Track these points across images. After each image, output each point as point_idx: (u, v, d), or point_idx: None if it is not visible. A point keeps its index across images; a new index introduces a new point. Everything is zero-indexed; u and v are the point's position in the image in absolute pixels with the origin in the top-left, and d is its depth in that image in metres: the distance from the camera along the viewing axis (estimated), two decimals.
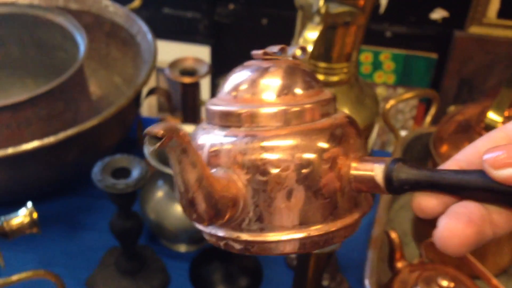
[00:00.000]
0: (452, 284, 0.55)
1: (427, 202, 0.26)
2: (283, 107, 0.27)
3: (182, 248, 0.71)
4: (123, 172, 0.58)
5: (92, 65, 0.88)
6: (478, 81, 1.62)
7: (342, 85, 0.68)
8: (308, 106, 0.27)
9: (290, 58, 0.30)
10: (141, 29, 0.81)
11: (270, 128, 0.27)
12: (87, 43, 0.73)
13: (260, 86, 0.28)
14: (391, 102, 0.76)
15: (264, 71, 0.28)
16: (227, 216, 0.26)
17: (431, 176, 0.25)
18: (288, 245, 0.27)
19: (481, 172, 0.24)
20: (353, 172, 0.27)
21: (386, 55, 1.65)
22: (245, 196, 0.26)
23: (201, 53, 1.54)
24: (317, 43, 0.59)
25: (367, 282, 0.58)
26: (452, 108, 0.87)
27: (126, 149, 0.76)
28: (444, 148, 0.67)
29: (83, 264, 0.68)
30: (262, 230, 0.27)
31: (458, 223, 0.24)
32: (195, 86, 0.77)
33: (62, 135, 0.62)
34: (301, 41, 0.58)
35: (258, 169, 0.26)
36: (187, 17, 1.54)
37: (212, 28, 1.56)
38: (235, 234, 0.27)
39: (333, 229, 0.27)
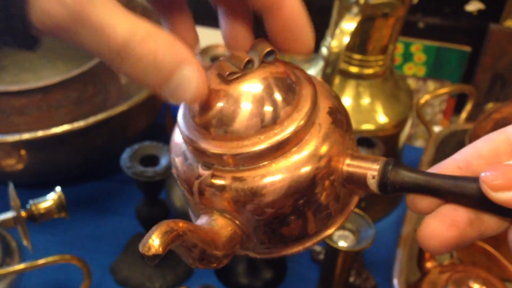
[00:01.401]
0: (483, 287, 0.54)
1: (420, 201, 0.26)
2: (266, 145, 0.25)
3: None
4: (151, 160, 0.58)
5: None
6: None
7: (376, 78, 0.67)
8: (291, 132, 0.25)
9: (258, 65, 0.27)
10: None
11: (257, 167, 0.25)
12: None
13: (236, 122, 0.25)
14: (426, 97, 0.74)
15: (235, 103, 0.25)
16: (232, 255, 0.27)
17: (426, 181, 0.25)
18: (293, 252, 0.28)
19: (475, 181, 0.24)
20: (345, 172, 0.27)
21: (417, 47, 1.62)
22: (246, 231, 0.27)
23: None
24: (353, 34, 0.58)
25: (395, 281, 0.57)
26: (490, 105, 0.84)
27: (154, 135, 0.76)
28: None
29: (108, 249, 0.69)
30: (268, 250, 0.28)
31: (441, 225, 0.24)
32: None
33: (91, 120, 0.62)
34: (337, 32, 0.57)
35: (254, 211, 0.26)
36: None
37: None
38: (243, 252, 0.28)
39: (333, 230, 0.28)
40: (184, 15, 0.31)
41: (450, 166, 0.25)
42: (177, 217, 0.69)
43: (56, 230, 0.70)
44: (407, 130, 0.71)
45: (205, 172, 0.26)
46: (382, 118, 0.67)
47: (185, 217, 0.73)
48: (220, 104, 0.25)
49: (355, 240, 0.54)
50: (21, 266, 0.53)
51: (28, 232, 0.52)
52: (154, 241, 0.22)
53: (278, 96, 0.26)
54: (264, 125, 0.25)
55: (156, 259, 0.22)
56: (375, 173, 0.26)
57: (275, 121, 0.25)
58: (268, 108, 0.25)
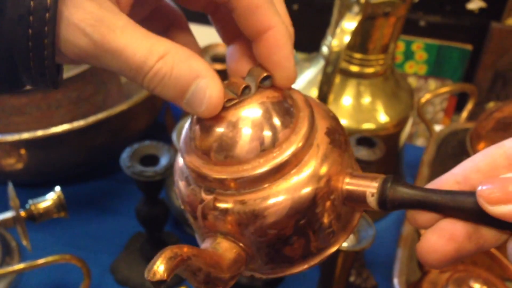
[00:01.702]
0: (484, 287, 0.53)
1: (420, 216, 0.26)
2: (266, 168, 0.25)
3: None
4: (151, 159, 0.57)
5: None
6: None
7: (377, 77, 0.67)
8: (290, 154, 0.26)
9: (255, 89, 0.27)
10: None
11: (258, 190, 0.26)
12: None
13: (236, 147, 0.26)
14: (427, 96, 0.74)
15: (234, 129, 0.26)
16: (238, 277, 0.27)
17: (424, 197, 0.25)
18: (298, 271, 0.29)
19: (473, 196, 0.24)
20: (346, 189, 0.27)
21: (418, 45, 1.62)
22: (250, 252, 0.27)
23: None
24: (354, 33, 0.57)
25: (396, 281, 0.57)
26: (491, 104, 0.84)
27: (154, 134, 0.76)
28: (482, 146, 0.65)
29: (107, 248, 0.68)
30: (273, 270, 0.28)
31: (439, 239, 0.25)
32: (226, 73, 0.76)
33: (91, 119, 0.62)
34: (338, 31, 0.56)
35: (257, 233, 0.26)
36: None
37: None
38: (248, 273, 0.29)
39: (336, 247, 0.28)
40: (185, 31, 0.33)
41: (449, 180, 0.26)
42: (177, 216, 0.69)
43: (56, 230, 0.70)
44: (408, 129, 0.71)
45: (207, 197, 0.27)
46: (383, 117, 0.66)
47: (185, 216, 0.73)
48: (219, 130, 0.26)
49: (355, 240, 0.54)
50: (21, 265, 0.53)
51: (28, 231, 0.52)
52: (159, 267, 0.22)
53: (276, 120, 0.26)
54: (264, 149, 0.26)
55: (161, 285, 0.22)
56: (374, 191, 0.26)
57: (274, 144, 0.26)
58: (267, 132, 0.26)
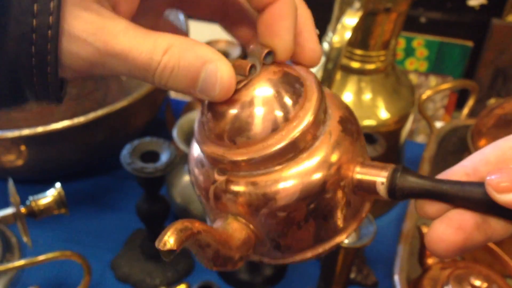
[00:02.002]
0: (485, 284, 0.53)
1: (429, 206, 0.26)
2: (278, 147, 0.26)
3: None
4: (152, 156, 0.57)
5: None
6: None
7: (378, 74, 0.66)
8: (302, 131, 0.26)
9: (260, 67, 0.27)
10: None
11: (270, 172, 0.26)
12: None
13: (251, 129, 0.26)
14: (428, 92, 0.74)
15: (248, 109, 0.26)
16: (245, 259, 0.28)
17: (434, 186, 0.26)
18: (305, 259, 0.29)
19: (482, 186, 0.24)
20: (356, 179, 0.28)
21: (419, 42, 1.61)
22: (259, 235, 0.27)
23: None
24: (355, 29, 0.57)
25: (396, 277, 0.57)
26: (492, 101, 0.84)
27: (155, 130, 0.76)
28: (483, 142, 0.65)
29: (108, 245, 0.68)
30: (281, 255, 0.29)
31: (448, 229, 0.25)
32: None
33: (92, 115, 0.62)
34: (339, 27, 0.56)
35: (267, 215, 0.27)
36: None
37: None
38: (256, 257, 0.29)
39: (345, 236, 0.29)
40: (162, 19, 0.33)
41: (458, 172, 0.26)
42: (177, 213, 0.69)
43: (56, 226, 0.70)
44: (408, 125, 0.71)
45: (220, 178, 0.27)
46: (383, 113, 0.66)
47: (185, 212, 0.73)
48: (234, 112, 0.26)
49: (355, 236, 0.54)
50: (21, 262, 0.53)
51: (28, 228, 0.52)
52: (170, 238, 0.23)
53: (286, 98, 0.27)
54: (275, 128, 0.26)
55: (171, 255, 0.23)
56: (384, 180, 0.27)
57: (286, 121, 0.26)
58: (278, 112, 0.26)
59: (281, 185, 0.26)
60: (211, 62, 0.25)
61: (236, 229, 0.27)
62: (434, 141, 0.73)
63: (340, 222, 0.28)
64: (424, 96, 0.74)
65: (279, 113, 0.26)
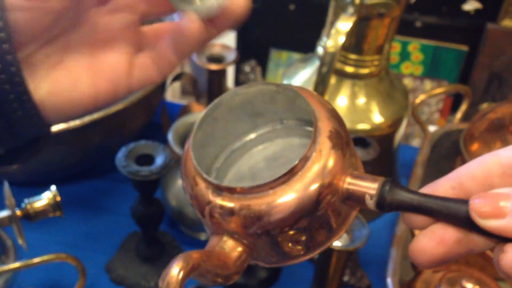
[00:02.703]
0: (476, 287, 0.54)
1: (415, 218, 0.27)
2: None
3: (202, 236, 0.71)
4: (147, 159, 0.58)
5: None
6: (509, 76, 1.58)
7: (372, 78, 0.67)
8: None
9: None
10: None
11: (264, 195, 0.27)
12: None
13: None
14: (421, 96, 0.74)
15: None
16: (242, 271, 0.29)
17: (421, 202, 0.26)
18: (299, 261, 0.30)
19: (467, 204, 0.25)
20: (346, 188, 0.28)
21: (414, 46, 1.62)
22: (254, 248, 0.28)
23: (226, 38, 1.53)
24: (348, 34, 0.58)
25: (389, 280, 0.58)
26: (485, 105, 0.85)
27: (150, 134, 0.76)
28: (475, 146, 0.65)
29: (103, 247, 0.69)
30: (275, 261, 0.30)
31: (430, 242, 0.26)
32: (222, 73, 0.76)
33: (87, 118, 0.62)
34: (333, 32, 0.57)
35: (260, 235, 0.27)
36: None
37: None
38: (253, 262, 0.30)
39: (334, 240, 0.30)
40: (158, 42, 0.34)
41: (444, 185, 0.27)
42: (172, 216, 0.69)
43: (52, 229, 0.70)
44: (402, 129, 0.72)
45: (215, 199, 0.28)
46: (377, 117, 0.67)
47: (180, 215, 0.73)
48: None
49: (349, 239, 0.54)
50: (17, 264, 0.53)
51: (23, 230, 0.52)
52: (172, 279, 0.24)
53: None
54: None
55: None
56: (373, 193, 0.27)
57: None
58: None
59: (274, 205, 0.27)
60: None
61: (232, 248, 0.28)
62: (427, 145, 0.74)
63: (330, 231, 0.29)
64: (417, 101, 0.75)
65: None
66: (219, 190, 0.28)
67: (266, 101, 0.31)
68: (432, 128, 0.77)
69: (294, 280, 0.68)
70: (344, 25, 0.57)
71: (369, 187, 0.28)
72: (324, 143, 0.28)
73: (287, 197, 0.27)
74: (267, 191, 0.27)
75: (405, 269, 0.61)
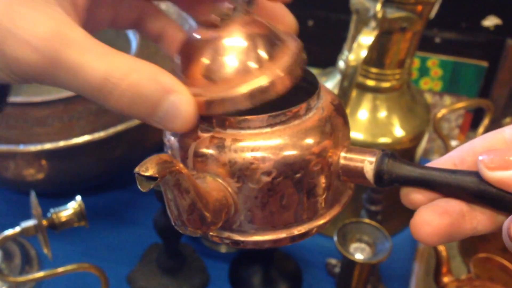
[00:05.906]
0: None
1: (415, 194, 0.26)
2: (260, 84, 0.25)
3: (223, 248, 0.71)
4: None
5: None
6: None
7: (393, 92, 0.67)
8: (283, 68, 0.25)
9: (242, 14, 0.26)
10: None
11: (259, 133, 0.25)
12: (139, 41, 0.74)
13: (228, 64, 0.25)
14: (443, 111, 0.74)
15: (226, 44, 0.26)
16: (219, 224, 0.26)
17: (422, 173, 0.25)
18: (279, 242, 0.27)
19: (471, 174, 0.24)
20: (342, 163, 0.27)
21: (433, 61, 1.61)
22: (236, 201, 0.26)
23: None
24: (370, 48, 0.58)
25: None
26: (507, 120, 0.84)
27: None
28: None
29: (125, 258, 0.69)
30: (253, 231, 0.27)
31: (433, 214, 0.25)
32: None
33: (111, 130, 0.63)
34: (355, 46, 0.57)
35: (248, 178, 0.25)
36: None
37: None
38: (225, 234, 0.27)
39: (323, 221, 0.28)
40: (159, 16, 0.33)
41: (446, 162, 0.26)
42: None
43: (75, 239, 0.71)
44: (423, 144, 0.71)
45: (204, 135, 0.26)
46: (398, 131, 0.67)
47: None
48: (211, 49, 0.26)
49: (371, 252, 0.54)
50: (41, 274, 0.54)
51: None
52: (152, 164, 0.21)
53: (270, 36, 0.26)
54: (258, 65, 0.25)
55: (149, 183, 0.21)
56: (373, 163, 0.26)
57: (269, 57, 0.25)
58: (261, 47, 0.26)
59: (268, 148, 0.25)
60: (173, 93, 0.24)
61: (214, 188, 0.25)
62: None
63: (320, 204, 0.27)
64: (439, 115, 0.74)
65: (261, 52, 0.25)
66: (210, 127, 0.26)
67: None
68: (453, 143, 0.77)
69: None
70: (366, 39, 0.57)
71: (367, 158, 0.26)
72: (327, 105, 0.27)
73: (283, 139, 0.25)
74: (263, 129, 0.25)
75: (427, 285, 0.60)
